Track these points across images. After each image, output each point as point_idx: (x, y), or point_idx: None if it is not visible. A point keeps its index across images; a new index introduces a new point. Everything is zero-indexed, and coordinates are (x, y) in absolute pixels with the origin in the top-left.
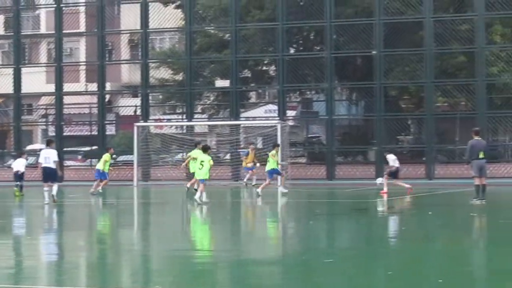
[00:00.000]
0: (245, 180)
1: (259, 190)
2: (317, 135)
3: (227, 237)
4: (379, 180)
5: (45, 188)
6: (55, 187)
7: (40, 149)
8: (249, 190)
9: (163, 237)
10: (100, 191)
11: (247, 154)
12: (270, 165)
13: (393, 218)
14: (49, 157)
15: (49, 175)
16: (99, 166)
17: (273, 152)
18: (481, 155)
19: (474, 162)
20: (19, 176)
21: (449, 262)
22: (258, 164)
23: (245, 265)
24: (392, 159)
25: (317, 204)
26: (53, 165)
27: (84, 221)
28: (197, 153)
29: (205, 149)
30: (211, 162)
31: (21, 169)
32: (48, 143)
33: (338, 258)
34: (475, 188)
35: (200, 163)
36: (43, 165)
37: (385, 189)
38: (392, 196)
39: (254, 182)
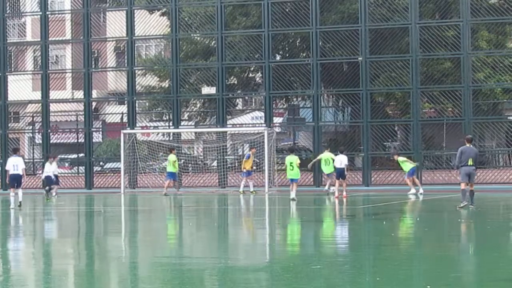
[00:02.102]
0: (241, 189)
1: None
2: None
3: (217, 243)
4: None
5: (12, 194)
6: (20, 194)
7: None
8: (246, 197)
9: (153, 245)
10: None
11: (249, 157)
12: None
13: (380, 224)
14: (17, 164)
15: (16, 181)
16: (170, 169)
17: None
18: (470, 162)
19: (462, 168)
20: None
21: (437, 268)
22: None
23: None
24: (338, 160)
25: (304, 210)
26: (21, 172)
27: (72, 229)
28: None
29: (292, 150)
30: (298, 161)
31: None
32: (15, 151)
33: (327, 264)
34: (462, 194)
35: (289, 165)
36: (11, 172)
37: (337, 194)
38: (375, 203)
39: (252, 189)
